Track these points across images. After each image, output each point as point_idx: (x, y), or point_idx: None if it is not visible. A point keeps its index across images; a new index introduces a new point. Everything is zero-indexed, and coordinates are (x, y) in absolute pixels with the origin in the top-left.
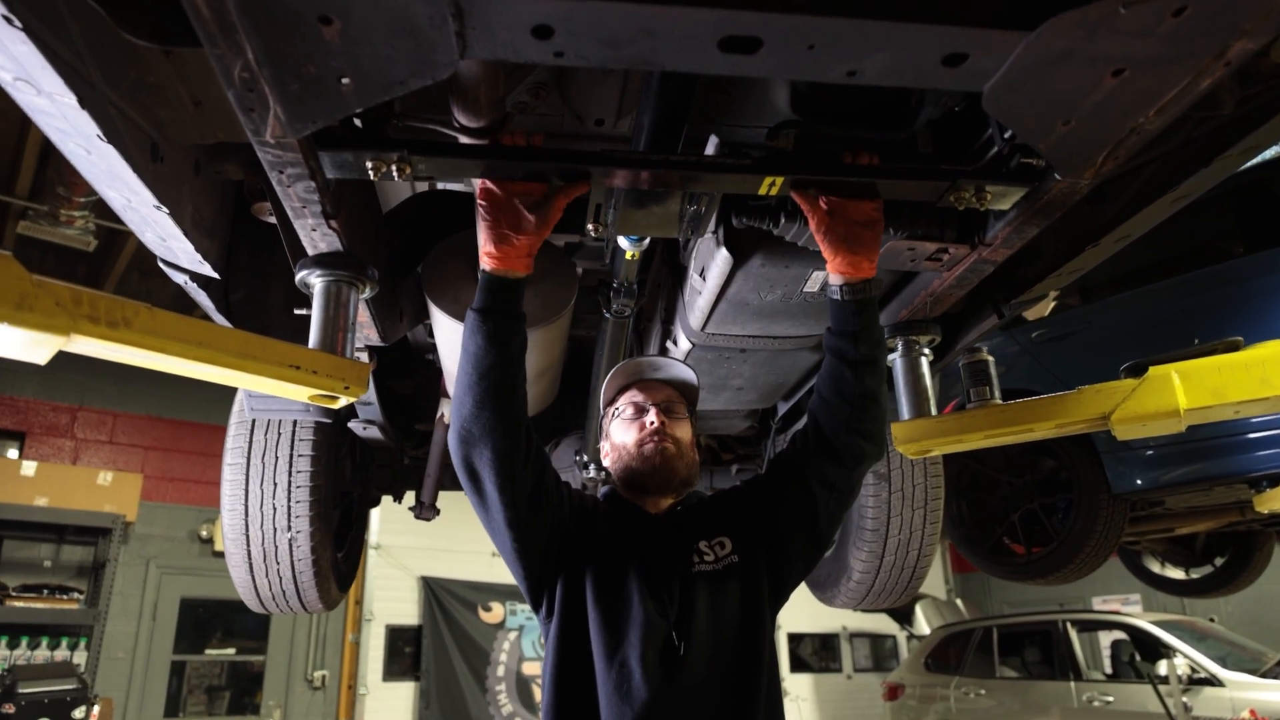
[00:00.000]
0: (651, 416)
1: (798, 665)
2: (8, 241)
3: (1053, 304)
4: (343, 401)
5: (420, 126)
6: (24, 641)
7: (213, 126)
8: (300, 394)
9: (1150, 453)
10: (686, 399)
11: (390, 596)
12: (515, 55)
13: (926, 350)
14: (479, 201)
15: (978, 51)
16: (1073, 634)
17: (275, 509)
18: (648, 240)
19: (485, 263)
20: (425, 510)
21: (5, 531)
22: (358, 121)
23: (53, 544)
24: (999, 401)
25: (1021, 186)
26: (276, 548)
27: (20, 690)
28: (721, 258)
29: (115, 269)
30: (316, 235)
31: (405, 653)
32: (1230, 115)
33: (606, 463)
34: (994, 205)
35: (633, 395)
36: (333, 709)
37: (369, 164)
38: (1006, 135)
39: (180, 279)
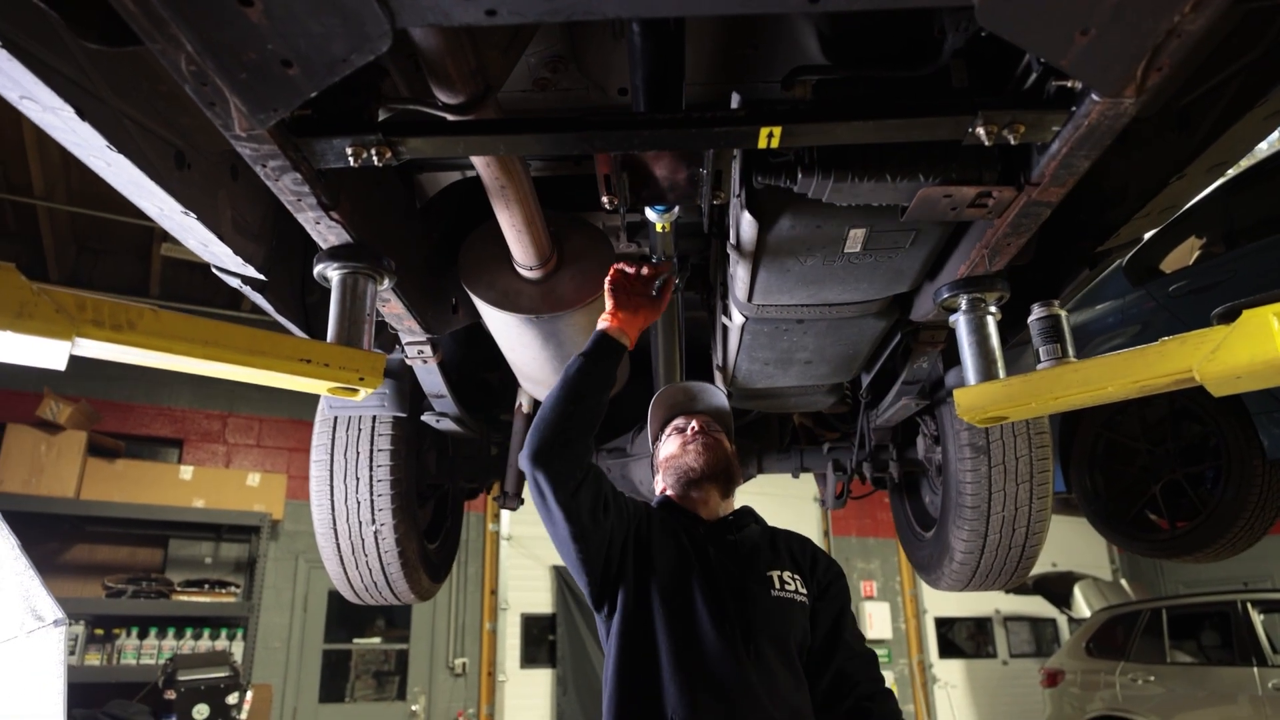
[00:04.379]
0: (695, 423)
1: (948, 650)
2: (154, 263)
3: (1196, 253)
4: (362, 393)
5: (410, 110)
6: (188, 632)
7: None
8: (317, 387)
9: None
10: (724, 427)
11: (524, 586)
12: (446, 19)
13: (994, 309)
14: (610, 283)
15: None
16: (1255, 616)
17: (359, 503)
18: (676, 210)
19: (607, 322)
20: (509, 500)
21: (170, 531)
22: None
23: (211, 542)
24: (1073, 360)
25: (1056, 112)
26: (363, 540)
27: (179, 677)
28: (746, 222)
29: None
30: (322, 228)
31: (542, 640)
32: None
33: (658, 488)
34: (1031, 138)
35: (676, 423)
36: (474, 695)
37: (348, 150)
38: (1043, 58)
39: (234, 282)
